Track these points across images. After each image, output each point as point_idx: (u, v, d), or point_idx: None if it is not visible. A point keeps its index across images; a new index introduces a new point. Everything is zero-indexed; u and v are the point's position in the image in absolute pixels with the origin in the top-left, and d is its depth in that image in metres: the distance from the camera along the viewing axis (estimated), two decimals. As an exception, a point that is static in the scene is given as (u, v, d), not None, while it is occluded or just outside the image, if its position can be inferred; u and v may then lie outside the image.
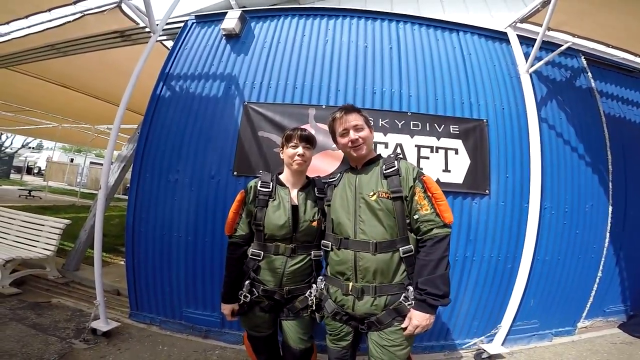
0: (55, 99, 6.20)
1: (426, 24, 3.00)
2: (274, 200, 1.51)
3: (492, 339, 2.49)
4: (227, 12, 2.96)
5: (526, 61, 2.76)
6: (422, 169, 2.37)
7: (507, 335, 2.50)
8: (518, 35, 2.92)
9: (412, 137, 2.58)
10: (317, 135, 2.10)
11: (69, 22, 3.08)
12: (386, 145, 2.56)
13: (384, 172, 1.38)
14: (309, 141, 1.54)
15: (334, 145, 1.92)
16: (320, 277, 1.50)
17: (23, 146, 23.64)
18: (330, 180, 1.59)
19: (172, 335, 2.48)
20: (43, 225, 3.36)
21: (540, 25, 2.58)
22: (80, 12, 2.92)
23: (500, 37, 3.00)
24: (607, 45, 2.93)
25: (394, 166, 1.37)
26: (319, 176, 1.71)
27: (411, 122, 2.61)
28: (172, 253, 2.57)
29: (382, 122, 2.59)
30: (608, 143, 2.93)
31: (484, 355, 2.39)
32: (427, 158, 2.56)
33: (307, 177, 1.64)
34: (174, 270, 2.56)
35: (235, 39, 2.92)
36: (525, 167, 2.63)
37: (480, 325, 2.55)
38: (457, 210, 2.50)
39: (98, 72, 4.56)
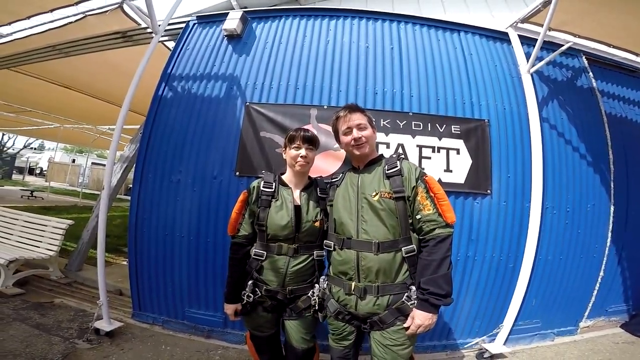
0: (57, 100, 6.21)
1: (427, 24, 3.00)
2: (276, 200, 1.51)
3: (494, 339, 2.50)
4: (228, 13, 2.97)
5: (527, 61, 2.76)
6: (424, 169, 2.35)
7: (509, 334, 2.50)
8: (519, 35, 2.92)
9: (413, 137, 2.59)
10: (319, 136, 2.09)
11: (71, 22, 3.08)
12: (388, 145, 2.57)
13: (387, 172, 1.38)
14: (312, 142, 1.55)
15: (336, 145, 1.93)
16: (323, 277, 1.50)
17: (25, 147, 23.67)
18: (332, 180, 1.59)
19: (174, 335, 2.49)
20: (46, 225, 3.37)
21: (541, 25, 2.58)
22: (82, 12, 2.93)
23: (501, 37, 3.00)
24: (609, 45, 2.93)
25: (396, 166, 1.38)
26: (321, 176, 1.71)
27: (413, 122, 2.61)
28: (174, 253, 2.58)
29: (384, 123, 2.60)
30: (609, 143, 2.93)
31: (486, 355, 2.40)
32: (429, 158, 2.56)
33: (310, 178, 1.64)
34: (177, 270, 2.57)
35: (237, 40, 2.92)
36: (527, 167, 2.64)
37: (482, 325, 2.55)
38: (459, 210, 2.51)
39: (100, 72, 4.57)
